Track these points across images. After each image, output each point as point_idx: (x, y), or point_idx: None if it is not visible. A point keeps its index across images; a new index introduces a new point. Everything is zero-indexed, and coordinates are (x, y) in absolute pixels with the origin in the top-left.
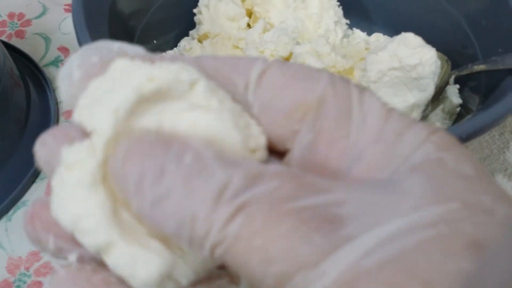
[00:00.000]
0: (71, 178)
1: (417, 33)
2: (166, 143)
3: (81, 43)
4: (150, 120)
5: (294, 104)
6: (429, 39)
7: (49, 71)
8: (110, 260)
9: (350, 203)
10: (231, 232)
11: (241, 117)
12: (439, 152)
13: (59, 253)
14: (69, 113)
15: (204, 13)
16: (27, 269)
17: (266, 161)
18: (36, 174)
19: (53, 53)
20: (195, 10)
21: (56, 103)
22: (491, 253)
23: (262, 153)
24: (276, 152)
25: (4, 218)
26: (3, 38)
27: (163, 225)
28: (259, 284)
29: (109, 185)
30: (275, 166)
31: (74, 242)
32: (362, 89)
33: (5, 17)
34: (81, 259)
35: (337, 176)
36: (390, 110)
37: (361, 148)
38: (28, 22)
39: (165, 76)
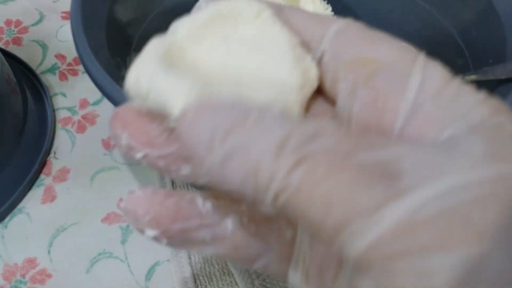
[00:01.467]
0: (146, 55)
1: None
2: (232, 105)
3: (79, 50)
4: (215, 42)
5: (360, 56)
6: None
7: (46, 79)
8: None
9: (407, 158)
10: (294, 180)
11: (297, 48)
12: (497, 116)
13: (129, 151)
14: (65, 121)
15: None
16: (23, 276)
17: (314, 100)
18: (32, 181)
19: (50, 60)
20: None
21: (53, 111)
22: None
23: (311, 89)
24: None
25: (0, 225)
26: (0, 45)
27: (230, 181)
28: (318, 231)
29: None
30: (333, 123)
31: (142, 142)
32: (429, 59)
33: (2, 24)
34: (146, 157)
35: (391, 133)
36: (452, 77)
37: (418, 105)
38: (25, 29)
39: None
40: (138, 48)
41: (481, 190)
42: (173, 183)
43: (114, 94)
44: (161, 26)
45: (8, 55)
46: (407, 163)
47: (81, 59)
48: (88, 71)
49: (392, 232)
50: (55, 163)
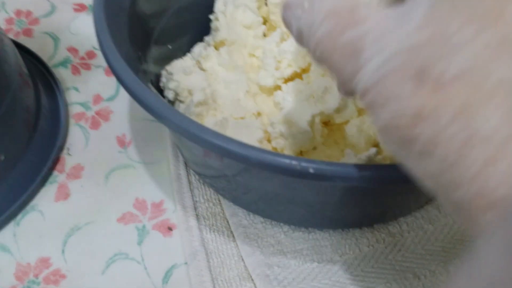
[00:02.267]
0: None
1: None
2: None
3: (102, 44)
4: None
5: None
6: None
7: (58, 72)
8: None
9: (370, 34)
10: (321, 32)
11: None
12: None
13: None
14: (78, 116)
15: (221, 20)
16: (36, 276)
17: None
18: (45, 178)
19: (62, 54)
20: (211, 16)
21: (66, 106)
22: None
23: None
24: None
25: (13, 223)
26: (10, 35)
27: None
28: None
29: None
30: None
31: None
32: None
33: (12, 14)
34: None
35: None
36: None
37: None
38: (36, 21)
39: None
40: (158, 41)
41: (398, 61)
42: (189, 182)
43: (136, 88)
44: (180, 21)
45: (20, 47)
46: (369, 39)
47: (103, 53)
48: (110, 64)
49: (368, 85)
50: (69, 160)
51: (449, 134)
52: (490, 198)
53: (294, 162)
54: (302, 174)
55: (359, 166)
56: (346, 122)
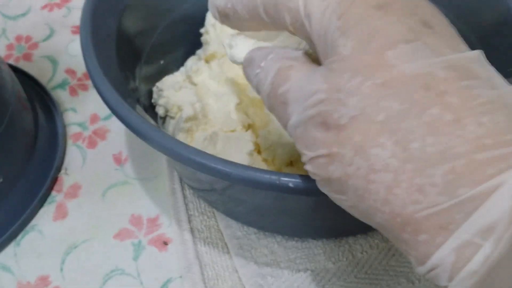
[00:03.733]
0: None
1: None
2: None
3: (88, 67)
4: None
5: None
6: None
7: (56, 94)
8: None
9: (293, 89)
10: (266, 88)
11: None
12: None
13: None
14: (76, 136)
15: (211, 33)
16: None
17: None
18: (44, 198)
19: (60, 76)
20: (201, 30)
21: (64, 127)
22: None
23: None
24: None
25: (13, 243)
26: (11, 61)
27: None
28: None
29: None
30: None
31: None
32: None
33: (12, 40)
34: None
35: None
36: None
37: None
38: (35, 45)
39: None
40: (150, 58)
41: (310, 113)
42: (184, 196)
43: (122, 112)
44: (171, 37)
45: (19, 72)
46: (290, 95)
47: (90, 76)
48: (96, 87)
49: (293, 135)
50: (66, 180)
51: (354, 169)
52: (403, 217)
53: (273, 177)
54: (282, 189)
55: None
56: None
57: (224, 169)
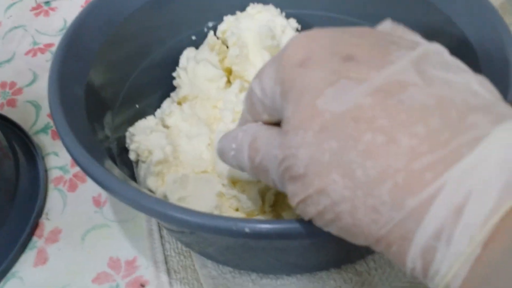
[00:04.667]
0: None
1: None
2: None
3: (54, 119)
4: None
5: None
6: None
7: (38, 138)
8: None
9: (262, 152)
10: (246, 162)
11: None
12: None
13: None
14: (57, 180)
15: (182, 77)
16: None
17: None
18: (25, 244)
19: (43, 120)
20: (174, 74)
21: (45, 171)
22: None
23: None
24: None
25: None
26: None
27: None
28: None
29: None
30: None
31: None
32: None
33: None
34: None
35: None
36: None
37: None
38: (19, 91)
39: None
40: (122, 106)
41: (281, 169)
42: (161, 237)
43: (84, 164)
44: (147, 81)
45: (2, 118)
46: (265, 161)
47: (56, 128)
48: (62, 141)
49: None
50: (47, 224)
51: (322, 207)
52: (373, 235)
53: (230, 223)
54: (240, 234)
55: (298, 221)
56: None
57: (182, 217)
